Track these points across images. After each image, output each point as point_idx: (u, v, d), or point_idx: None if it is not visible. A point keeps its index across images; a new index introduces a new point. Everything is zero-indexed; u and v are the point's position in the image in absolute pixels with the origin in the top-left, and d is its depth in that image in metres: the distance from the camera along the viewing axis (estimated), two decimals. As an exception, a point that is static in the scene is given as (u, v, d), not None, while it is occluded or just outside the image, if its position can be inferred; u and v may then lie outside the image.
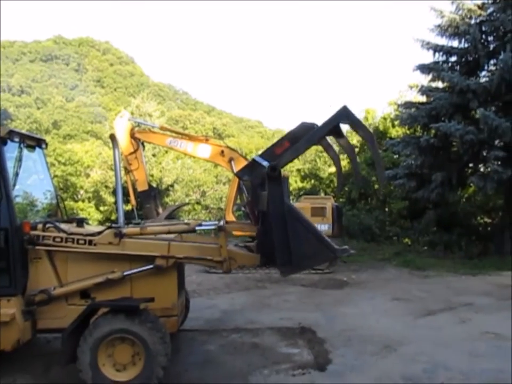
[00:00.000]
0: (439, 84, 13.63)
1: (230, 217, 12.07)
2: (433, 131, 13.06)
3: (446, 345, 5.74)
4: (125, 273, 4.89)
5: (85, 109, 68.39)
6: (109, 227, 4.98)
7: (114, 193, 18.69)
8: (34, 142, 5.77)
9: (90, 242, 4.89)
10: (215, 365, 5.29)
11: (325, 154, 26.61)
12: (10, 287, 4.74)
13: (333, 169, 25.43)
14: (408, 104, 13.92)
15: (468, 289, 9.15)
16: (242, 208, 12.59)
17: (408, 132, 21.30)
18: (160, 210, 13.03)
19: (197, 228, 5.18)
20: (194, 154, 13.13)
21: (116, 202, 21.49)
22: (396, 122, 22.85)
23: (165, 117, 28.28)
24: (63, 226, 5.15)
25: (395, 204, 20.36)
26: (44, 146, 5.98)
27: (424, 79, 14.03)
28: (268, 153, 5.30)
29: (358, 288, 9.45)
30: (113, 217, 20.23)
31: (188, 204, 21.46)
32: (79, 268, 4.98)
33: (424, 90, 13.22)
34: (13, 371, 5.06)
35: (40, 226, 5.01)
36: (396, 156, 22.25)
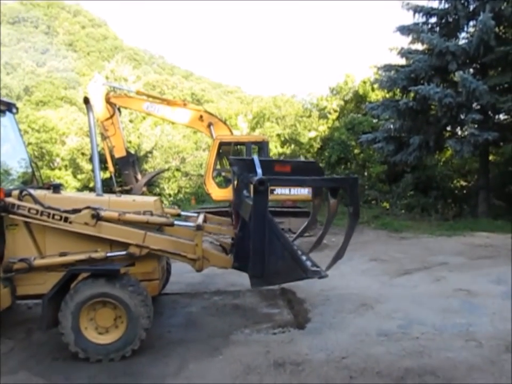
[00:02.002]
0: (419, 46, 13.55)
1: (210, 183, 12.02)
2: (412, 94, 13.08)
3: (420, 303, 5.95)
4: (108, 255, 4.85)
5: (58, 74, 65.85)
6: (88, 207, 4.85)
7: (91, 160, 18.36)
8: (4, 106, 5.55)
9: (66, 220, 4.79)
10: (197, 326, 5.39)
11: (305, 119, 26.60)
12: (-14, 254, 4.68)
13: (312, 134, 25.48)
14: (387, 67, 13.84)
15: (443, 249, 9.43)
16: (222, 174, 12.57)
17: (387, 95, 21.33)
18: (139, 176, 12.91)
19: (175, 223, 5.13)
20: (172, 119, 12.92)
21: (93, 170, 21.18)
22: (376, 86, 22.84)
23: (141, 81, 27.52)
24: (39, 193, 5.04)
25: (374, 168, 20.58)
26: (14, 110, 5.76)
27: (404, 41, 13.91)
28: (267, 163, 5.38)
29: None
30: (91, 185, 19.92)
31: (167, 169, 21.25)
32: (58, 241, 4.92)
33: (403, 53, 13.12)
34: (-6, 337, 5.07)
35: (15, 193, 4.90)
36: (375, 120, 22.36)
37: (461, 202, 20.35)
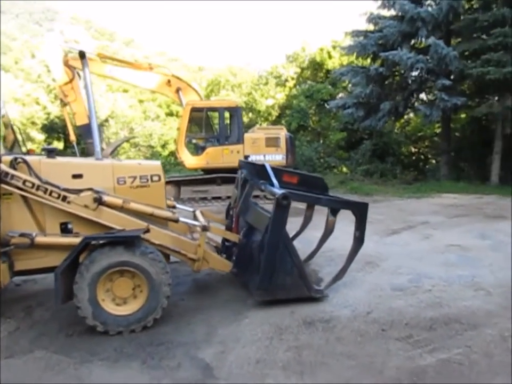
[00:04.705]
0: (386, 12, 13.63)
1: (183, 150, 11.65)
2: (378, 60, 13.23)
3: (419, 258, 6.19)
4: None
5: (-16, 38, 60.04)
6: (90, 189, 4.48)
7: (43, 129, 17.07)
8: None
9: (64, 199, 4.40)
10: (208, 292, 5.27)
11: (262, 87, 26.31)
12: (-19, 227, 4.22)
13: (270, 101, 25.32)
14: (356, 32, 13.85)
15: (418, 210, 9.83)
16: (193, 141, 12.20)
17: (344, 62, 21.56)
18: (104, 145, 12.24)
19: (180, 219, 4.93)
20: (138, 84, 12.30)
21: (46, 140, 19.74)
22: (333, 53, 23.02)
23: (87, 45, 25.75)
24: (33, 159, 4.58)
25: (333, 135, 20.94)
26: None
27: (373, 7, 13.91)
28: (275, 172, 5.30)
29: (318, 214, 9.69)
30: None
31: (133, 138, 20.36)
32: (60, 217, 4.51)
33: (372, 18, 13.17)
34: (-8, 317, 4.66)
35: (6, 159, 4.41)
36: (331, 88, 22.60)
37: (409, 167, 21.45)
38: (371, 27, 13.74)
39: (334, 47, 23.15)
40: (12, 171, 4.34)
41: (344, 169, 20.51)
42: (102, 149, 11.93)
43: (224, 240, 5.76)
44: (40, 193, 4.37)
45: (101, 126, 19.53)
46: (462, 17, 11.98)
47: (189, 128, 11.71)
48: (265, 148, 11.62)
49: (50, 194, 4.40)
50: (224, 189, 11.56)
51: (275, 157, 11.58)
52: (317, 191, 5.52)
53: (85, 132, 11.78)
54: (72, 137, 11.93)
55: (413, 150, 23.14)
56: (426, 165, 21.99)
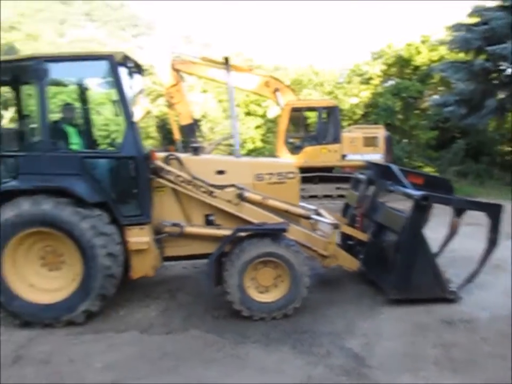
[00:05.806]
0: (490, 3, 12.91)
1: (282, 150, 11.93)
2: (482, 55, 12.60)
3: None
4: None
5: (79, 44, 65.12)
6: (233, 185, 4.87)
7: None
8: (136, 68, 5.48)
9: (210, 193, 4.83)
10: (334, 287, 5.46)
11: (345, 85, 25.98)
12: (143, 215, 4.71)
13: (355, 100, 24.95)
14: (457, 27, 13.27)
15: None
16: (290, 140, 12.42)
17: (434, 58, 20.76)
18: (205, 144, 12.90)
19: (312, 216, 5.17)
20: (238, 85, 12.72)
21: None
22: (421, 49, 22.24)
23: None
24: (182, 156, 5.03)
25: (424, 134, 20.18)
26: (143, 72, 5.69)
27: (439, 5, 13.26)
28: (403, 173, 5.47)
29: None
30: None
31: (230, 137, 21.16)
32: (204, 209, 4.95)
33: (477, 10, 12.55)
34: (141, 298, 5.15)
35: (161, 156, 4.90)
36: (419, 84, 21.78)
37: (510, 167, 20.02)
38: (463, 20, 12.99)
39: (423, 42, 22.28)
40: (166, 166, 4.82)
41: (429, 169, 19.69)
42: (204, 148, 12.65)
43: (346, 238, 5.89)
44: (190, 187, 4.83)
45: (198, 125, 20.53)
46: None
47: (288, 127, 11.96)
48: (363, 148, 11.57)
49: (198, 189, 4.83)
50: (320, 187, 11.67)
51: (373, 157, 11.46)
52: (442, 192, 5.47)
53: (188, 130, 12.49)
54: (177, 135, 12.64)
55: (507, 149, 21.74)
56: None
